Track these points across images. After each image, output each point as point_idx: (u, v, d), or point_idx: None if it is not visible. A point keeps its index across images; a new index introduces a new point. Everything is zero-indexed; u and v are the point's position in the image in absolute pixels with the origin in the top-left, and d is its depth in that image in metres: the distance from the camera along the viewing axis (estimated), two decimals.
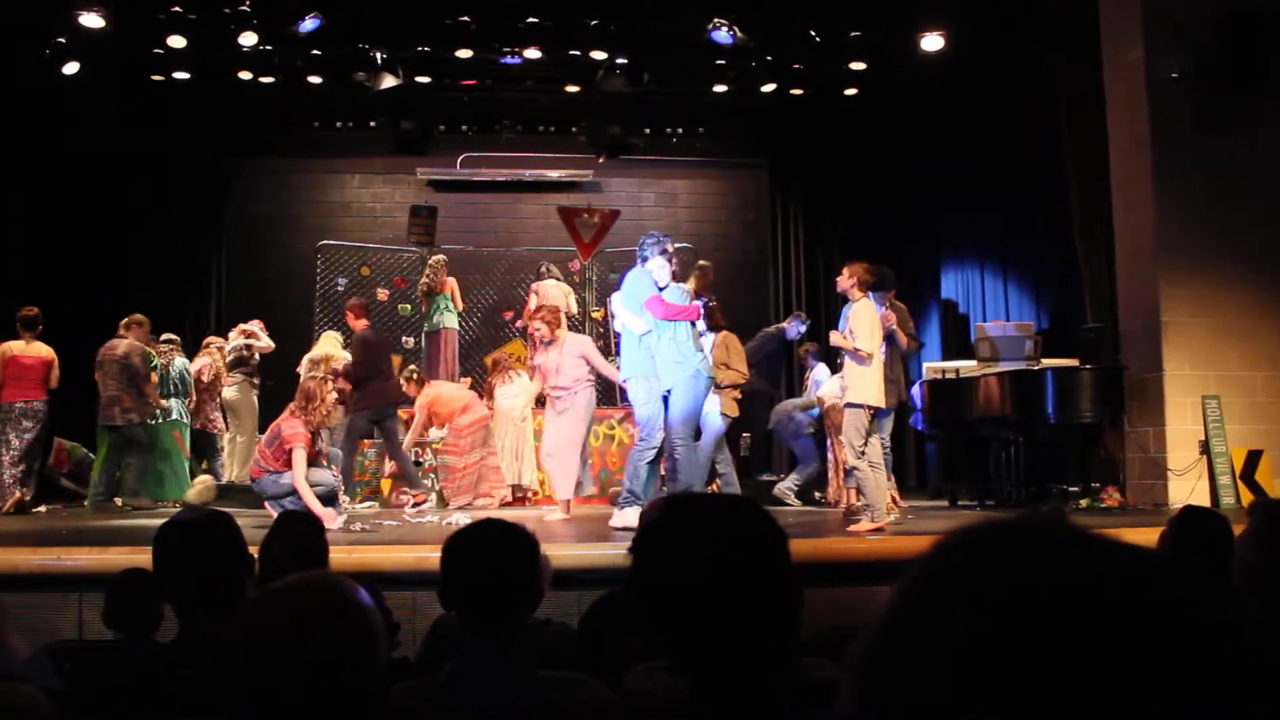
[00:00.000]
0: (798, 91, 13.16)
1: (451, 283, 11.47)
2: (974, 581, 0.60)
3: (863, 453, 6.90)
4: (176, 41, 11.32)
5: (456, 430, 9.64)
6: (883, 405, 7.09)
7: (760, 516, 1.55)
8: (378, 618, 1.58)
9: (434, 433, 9.80)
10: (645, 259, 7.29)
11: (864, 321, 6.96)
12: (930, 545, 0.65)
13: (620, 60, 12.38)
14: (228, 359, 10.75)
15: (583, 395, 8.10)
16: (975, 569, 0.61)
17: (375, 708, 1.54)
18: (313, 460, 7.53)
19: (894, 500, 8.03)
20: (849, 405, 6.95)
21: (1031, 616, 0.57)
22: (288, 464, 7.32)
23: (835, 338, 7.15)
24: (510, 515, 5.97)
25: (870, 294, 7.28)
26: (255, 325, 10.91)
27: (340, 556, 5.11)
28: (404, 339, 12.61)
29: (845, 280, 7.20)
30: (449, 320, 11.36)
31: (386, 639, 1.59)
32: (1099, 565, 0.60)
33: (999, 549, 0.62)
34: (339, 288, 12.36)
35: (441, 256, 11.71)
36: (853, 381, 6.96)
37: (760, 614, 1.45)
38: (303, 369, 9.79)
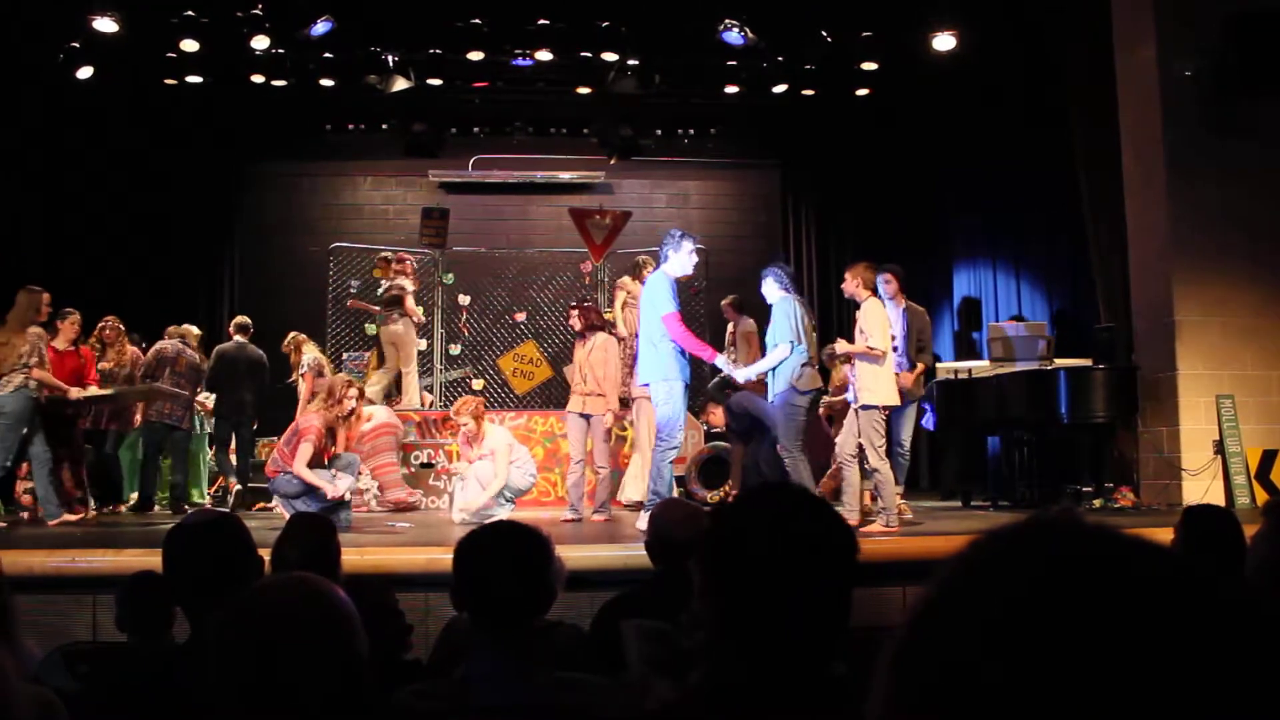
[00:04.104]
0: (809, 92, 13.17)
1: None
2: (1013, 569, 0.61)
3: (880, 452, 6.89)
4: (189, 45, 11.37)
5: (361, 438, 9.64)
6: (898, 404, 7.09)
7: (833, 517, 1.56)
8: (354, 617, 1.59)
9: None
10: (665, 259, 7.27)
11: (875, 320, 6.94)
12: (967, 542, 0.66)
13: (631, 62, 12.39)
14: (382, 297, 11.10)
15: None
16: (1015, 558, 0.62)
17: (352, 703, 1.55)
18: (329, 460, 7.57)
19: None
20: (865, 407, 6.91)
21: (1071, 603, 0.58)
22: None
23: (842, 345, 7.15)
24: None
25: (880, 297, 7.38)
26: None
27: (353, 558, 5.12)
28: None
29: (850, 284, 7.21)
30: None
31: (364, 638, 1.60)
32: (1140, 556, 0.61)
33: (1040, 540, 0.63)
34: (351, 290, 12.38)
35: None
36: (866, 383, 6.89)
37: (831, 606, 1.47)
38: (308, 375, 9.81)
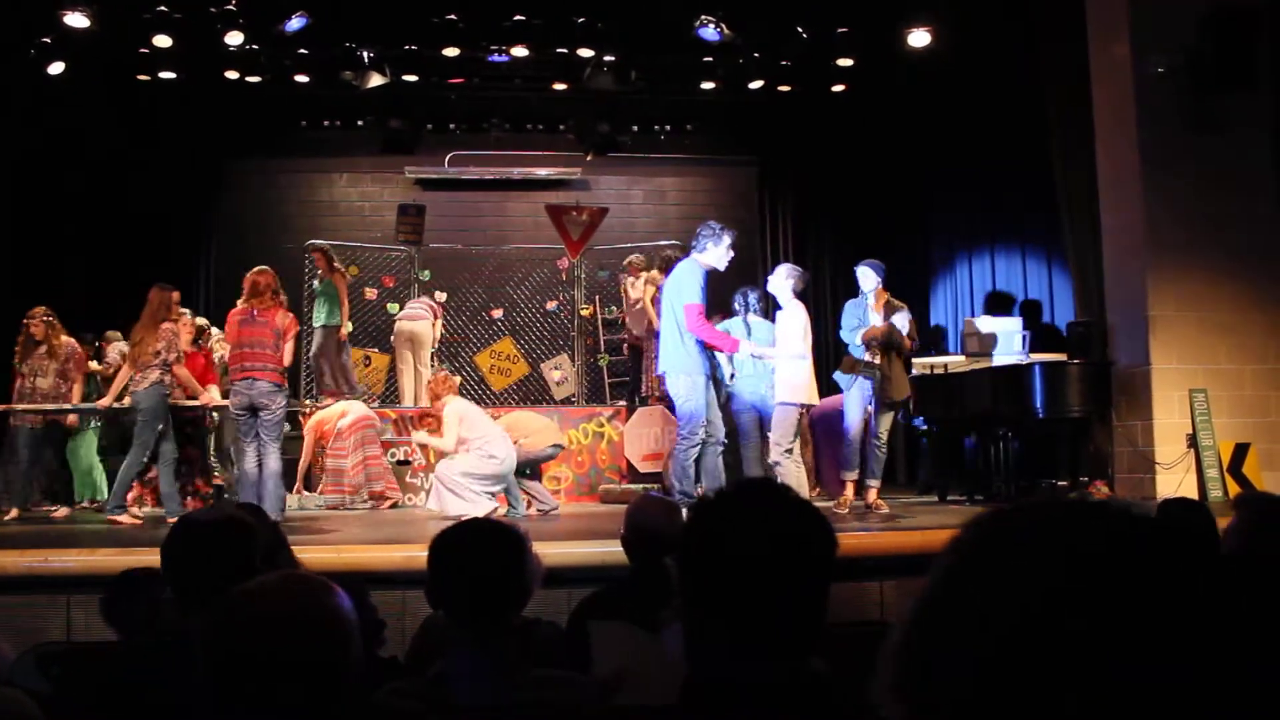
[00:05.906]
0: (786, 88, 13.17)
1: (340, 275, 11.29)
2: (1023, 550, 0.63)
3: (789, 450, 7.23)
4: (162, 41, 11.25)
5: (339, 434, 9.69)
6: (815, 403, 7.39)
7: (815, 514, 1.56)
8: (352, 620, 1.57)
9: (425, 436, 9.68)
10: (702, 249, 7.04)
11: (791, 323, 7.37)
12: (963, 530, 0.67)
13: (608, 58, 12.36)
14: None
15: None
16: (1021, 540, 0.63)
17: (346, 709, 1.54)
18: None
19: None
20: (782, 404, 7.20)
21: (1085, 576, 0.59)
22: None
23: (750, 347, 7.30)
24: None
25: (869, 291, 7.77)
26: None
27: (329, 556, 5.12)
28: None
29: (777, 283, 7.62)
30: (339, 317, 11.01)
31: (361, 641, 1.58)
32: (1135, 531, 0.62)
33: (1040, 521, 0.64)
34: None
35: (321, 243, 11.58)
36: (786, 380, 7.18)
37: (812, 602, 1.48)
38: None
